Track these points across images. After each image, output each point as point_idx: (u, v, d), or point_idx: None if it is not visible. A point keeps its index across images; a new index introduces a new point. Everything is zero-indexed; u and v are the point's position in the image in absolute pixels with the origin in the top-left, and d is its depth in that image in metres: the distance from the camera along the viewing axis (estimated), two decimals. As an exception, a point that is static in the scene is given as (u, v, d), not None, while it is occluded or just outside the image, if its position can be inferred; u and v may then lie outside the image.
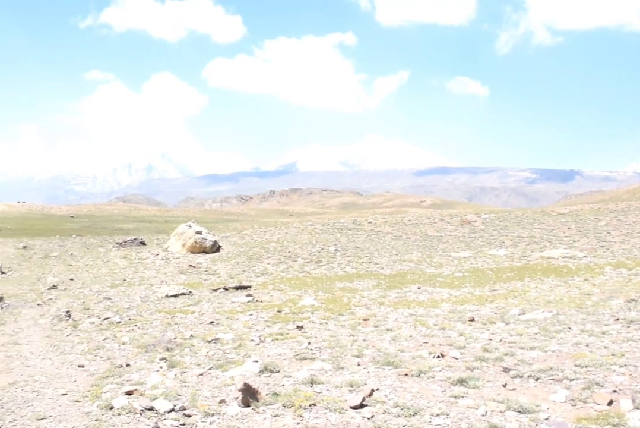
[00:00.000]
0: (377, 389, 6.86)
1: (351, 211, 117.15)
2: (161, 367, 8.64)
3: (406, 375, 7.50)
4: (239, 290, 18.62)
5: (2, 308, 16.43)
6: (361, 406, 6.26)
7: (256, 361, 8.29)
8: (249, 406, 6.44)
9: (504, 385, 6.91)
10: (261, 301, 16.29)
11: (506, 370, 7.50)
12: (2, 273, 26.45)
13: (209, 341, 10.34)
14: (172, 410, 6.45)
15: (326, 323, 12.05)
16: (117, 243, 37.42)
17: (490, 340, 9.53)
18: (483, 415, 5.97)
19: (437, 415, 6.01)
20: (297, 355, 8.93)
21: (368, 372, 7.77)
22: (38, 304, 17.41)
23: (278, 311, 13.92)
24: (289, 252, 27.72)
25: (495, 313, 12.45)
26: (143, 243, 36.95)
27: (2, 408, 7.13)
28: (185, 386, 7.48)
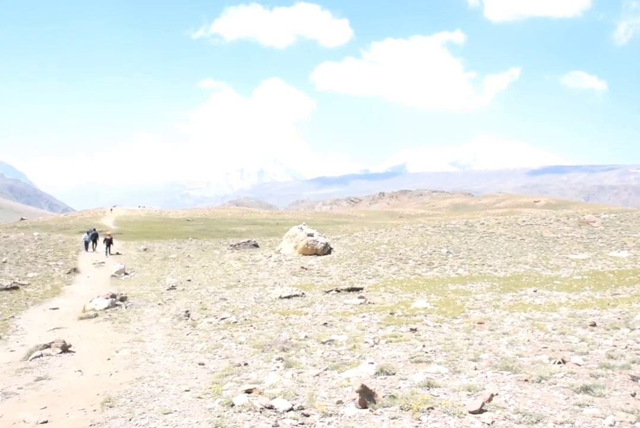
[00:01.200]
0: (496, 394, 6.68)
1: (462, 213, 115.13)
2: (278, 367, 8.80)
3: (526, 380, 7.25)
4: (351, 292, 18.67)
5: (126, 307, 17.31)
6: (480, 411, 6.11)
7: (371, 363, 8.29)
8: (366, 408, 6.45)
9: (633, 395, 6.53)
10: (373, 303, 16.26)
11: (634, 378, 7.09)
12: (125, 274, 27.84)
13: (324, 343, 10.43)
14: (291, 409, 6.55)
15: (440, 326, 11.87)
16: (231, 246, 38.47)
17: (615, 346, 9.04)
18: (611, 426, 5.66)
19: (561, 423, 5.76)
20: (412, 357, 8.85)
21: (486, 377, 7.58)
22: (159, 304, 18.20)
23: (391, 314, 13.84)
24: (400, 254, 27.55)
25: (619, 318, 11.81)
26: (256, 246, 37.81)
27: (132, 401, 7.53)
28: (302, 386, 7.59)
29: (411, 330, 11.34)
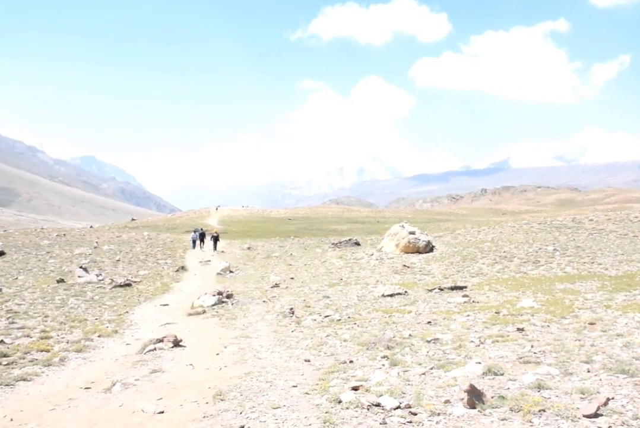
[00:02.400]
0: (612, 398, 6.41)
1: (569, 209, 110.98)
2: (383, 365, 8.81)
3: (644, 385, 6.94)
4: (454, 291, 18.40)
5: (232, 304, 17.80)
6: (596, 415, 5.87)
7: (478, 362, 8.16)
8: (474, 408, 6.36)
9: None
10: (477, 302, 15.96)
11: None
12: (230, 272, 28.62)
13: (428, 341, 10.35)
14: (398, 407, 6.55)
15: (548, 326, 11.50)
16: (332, 244, 38.76)
17: None
18: None
19: (686, 432, 5.49)
20: (520, 358, 8.63)
21: (600, 380, 7.28)
22: (263, 301, 18.59)
23: (496, 313, 13.54)
24: (504, 252, 26.89)
25: None
26: (357, 244, 37.92)
27: (242, 395, 7.76)
28: (408, 384, 7.57)
29: (518, 329, 11.06)
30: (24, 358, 11.07)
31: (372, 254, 30.81)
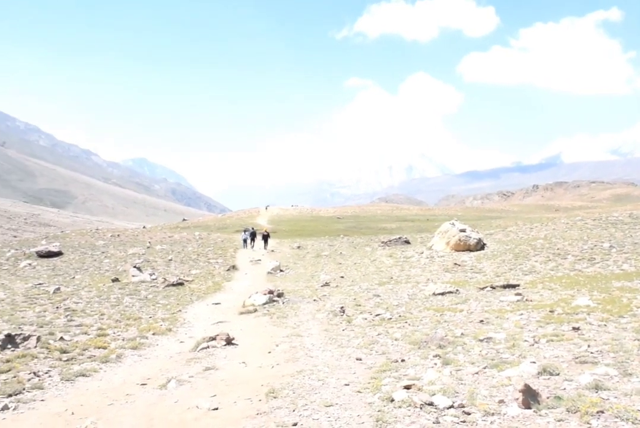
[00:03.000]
0: (675, 400, 6.25)
1: (625, 204, 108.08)
2: (435, 364, 8.75)
3: None
4: (507, 289, 18.13)
5: (283, 303, 17.92)
6: (657, 417, 5.75)
7: (533, 362, 8.03)
8: (529, 408, 6.26)
9: None
10: (531, 301, 15.69)
11: None
12: (281, 271, 28.80)
13: (481, 340, 10.22)
14: (451, 406, 6.50)
15: (605, 325, 11.23)
16: (382, 242, 38.62)
17: None
18: None
19: None
20: (576, 358, 8.46)
21: (661, 380, 7.10)
22: (314, 300, 18.65)
23: (550, 312, 13.29)
24: (557, 249, 26.37)
25: None
26: (407, 242, 37.69)
27: (294, 393, 7.82)
28: (461, 384, 7.50)
29: (573, 329, 10.83)
30: (82, 355, 11.39)
31: (422, 253, 30.59)
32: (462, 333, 11.15)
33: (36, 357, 11.00)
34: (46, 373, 9.96)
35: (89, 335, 13.53)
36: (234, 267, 30.06)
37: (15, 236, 78.47)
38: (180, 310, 17.48)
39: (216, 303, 19.00)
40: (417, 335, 11.41)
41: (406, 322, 13.27)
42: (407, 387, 7.28)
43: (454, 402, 6.59)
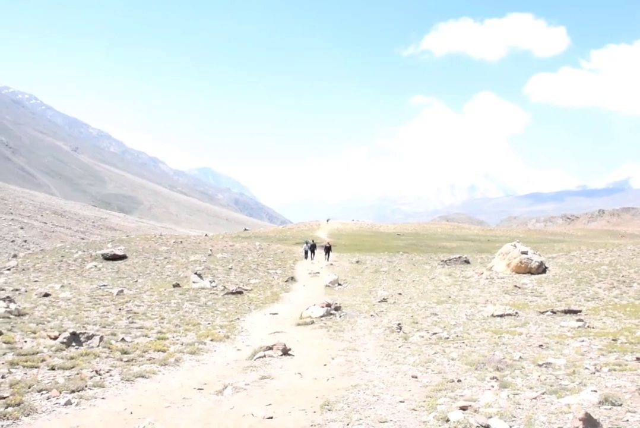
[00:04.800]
0: None
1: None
2: (492, 386, 8.63)
3: None
4: (568, 314, 17.70)
5: (340, 317, 17.94)
6: None
7: (594, 390, 7.84)
8: (589, 437, 6.14)
9: None
10: (593, 328, 15.28)
11: None
12: (339, 284, 28.84)
13: (540, 365, 10.03)
14: (508, 430, 6.43)
15: (672, 357, 10.87)
16: (441, 261, 38.25)
17: None
18: None
19: None
20: (640, 389, 8.22)
21: None
22: (371, 315, 18.60)
23: (613, 340, 12.92)
24: (622, 276, 25.58)
25: None
26: (467, 262, 37.23)
27: (349, 407, 7.84)
28: (519, 408, 7.37)
29: (637, 359, 10.51)
30: (142, 357, 11.70)
31: (482, 273, 30.16)
32: (520, 357, 10.95)
33: (98, 356, 11.36)
34: (107, 372, 10.28)
35: (149, 337, 13.88)
36: (292, 278, 30.28)
37: (83, 238, 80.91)
38: (238, 318, 17.73)
39: (274, 314, 19.18)
40: (474, 356, 11.27)
41: (463, 342, 13.13)
42: (463, 408, 7.21)
43: (511, 426, 6.50)
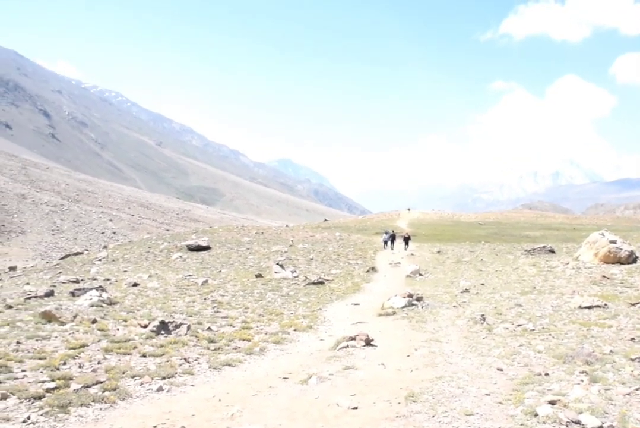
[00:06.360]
0: None
1: None
2: (582, 381, 8.40)
3: None
4: (662, 306, 17.00)
5: (422, 307, 17.83)
6: None
7: (692, 387, 7.53)
8: (686, 435, 5.90)
9: None
10: (689, 321, 14.64)
11: None
12: (420, 275, 28.63)
13: (632, 360, 9.67)
14: (600, 427, 6.24)
15: None
16: (525, 251, 37.38)
17: None
18: None
19: None
20: None
21: None
22: (453, 306, 18.39)
23: None
24: None
25: None
26: (552, 251, 36.24)
27: (434, 398, 7.81)
28: (611, 404, 7.15)
29: None
30: (228, 345, 12.02)
31: (567, 263, 29.29)
32: (611, 351, 10.60)
33: (186, 344, 11.75)
34: (195, 360, 10.64)
35: (234, 327, 14.22)
36: (373, 269, 30.27)
37: (167, 230, 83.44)
38: (320, 308, 17.91)
39: (355, 304, 19.26)
40: (562, 348, 10.99)
41: (550, 334, 12.81)
42: (552, 403, 7.06)
43: (603, 423, 6.31)
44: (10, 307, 15.31)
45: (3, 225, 66.40)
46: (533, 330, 13.46)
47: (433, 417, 7.03)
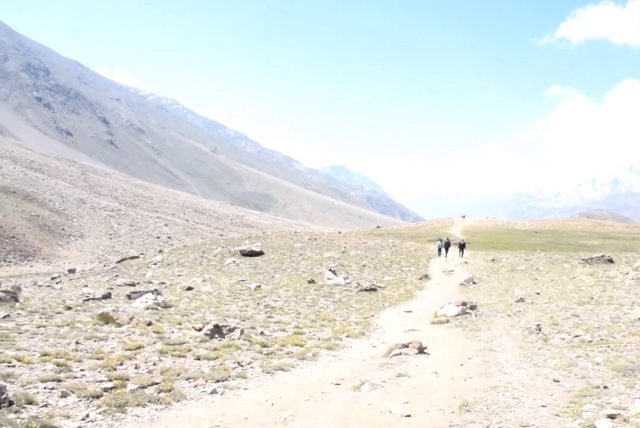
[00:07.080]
0: None
1: None
2: (644, 394, 8.18)
3: None
4: None
5: (476, 316, 17.60)
6: None
7: None
8: None
9: None
10: None
11: None
12: (474, 283, 28.27)
13: (696, 374, 9.38)
14: (662, 442, 6.07)
15: None
16: (582, 260, 36.51)
17: None
18: None
19: None
20: None
21: None
22: (508, 315, 18.09)
23: None
24: None
25: None
26: (610, 261, 35.31)
27: (488, 408, 7.71)
28: (671, 419, 6.96)
29: None
30: (281, 350, 12.11)
31: (627, 273, 28.49)
32: (674, 364, 10.28)
33: (239, 348, 11.89)
34: (249, 364, 10.75)
35: (286, 332, 14.32)
36: (426, 276, 30.03)
37: (221, 235, 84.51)
38: (372, 315, 17.87)
39: (408, 311, 19.14)
40: (621, 361, 10.70)
41: (608, 346, 12.49)
42: (612, 416, 6.88)
43: (664, 438, 6.15)
44: (69, 308, 15.81)
45: (63, 229, 68.43)
46: (591, 341, 13.14)
47: (487, 427, 6.94)
